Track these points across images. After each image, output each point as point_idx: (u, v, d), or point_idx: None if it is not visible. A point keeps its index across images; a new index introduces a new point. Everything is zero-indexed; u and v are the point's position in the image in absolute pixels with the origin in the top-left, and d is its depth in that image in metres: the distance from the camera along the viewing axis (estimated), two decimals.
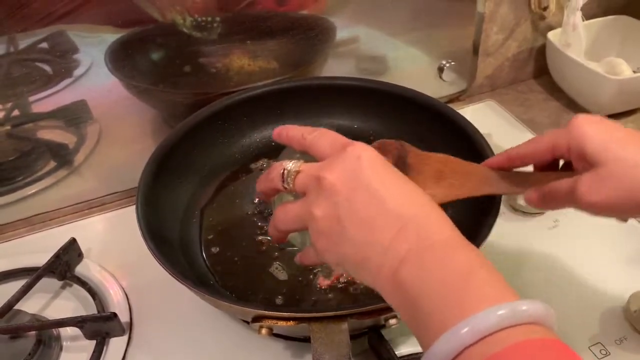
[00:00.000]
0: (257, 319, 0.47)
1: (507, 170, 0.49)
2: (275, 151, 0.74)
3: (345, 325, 0.46)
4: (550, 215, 0.69)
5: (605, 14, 0.91)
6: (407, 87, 0.72)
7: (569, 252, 0.64)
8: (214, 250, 0.63)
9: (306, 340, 0.56)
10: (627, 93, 0.81)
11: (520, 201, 0.68)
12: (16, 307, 0.58)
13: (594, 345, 0.55)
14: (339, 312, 0.46)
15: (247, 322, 0.56)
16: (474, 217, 0.57)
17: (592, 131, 0.41)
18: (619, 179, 0.39)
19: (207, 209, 0.68)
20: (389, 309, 0.47)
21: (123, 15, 0.68)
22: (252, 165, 0.73)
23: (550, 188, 0.44)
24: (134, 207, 0.57)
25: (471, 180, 0.49)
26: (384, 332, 0.53)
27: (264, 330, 0.47)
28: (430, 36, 0.85)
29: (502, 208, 0.55)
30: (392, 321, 0.47)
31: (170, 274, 0.50)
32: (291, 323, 0.47)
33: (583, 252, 0.64)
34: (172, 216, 0.64)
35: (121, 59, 0.70)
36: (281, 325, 0.47)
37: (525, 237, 0.67)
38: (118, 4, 0.67)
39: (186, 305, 0.60)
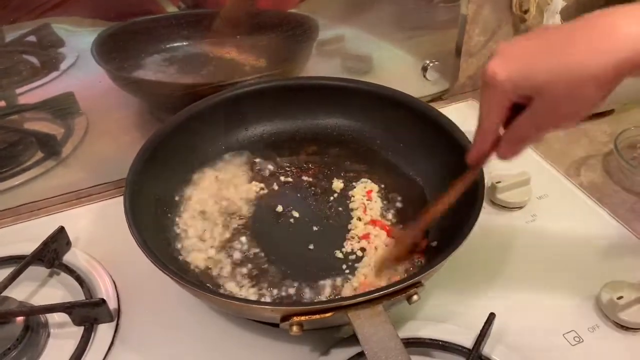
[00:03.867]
0: (286, 317, 0.47)
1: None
2: (268, 148, 0.75)
3: (381, 307, 0.47)
4: (528, 209, 0.71)
5: None
6: (387, 86, 0.74)
7: (546, 245, 0.67)
8: None
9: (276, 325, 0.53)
10: None
11: (500, 196, 0.70)
12: (3, 294, 0.59)
13: (568, 332, 0.57)
14: (373, 295, 0.48)
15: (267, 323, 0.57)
16: (457, 211, 0.59)
17: (511, 81, 0.43)
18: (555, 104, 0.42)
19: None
20: (414, 285, 0.49)
21: (112, 8, 0.69)
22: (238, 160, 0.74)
23: (516, 131, 0.46)
24: (121, 198, 0.58)
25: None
26: None
27: (295, 328, 0.47)
28: (414, 36, 0.87)
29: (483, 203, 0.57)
30: (415, 297, 0.49)
31: (161, 270, 0.51)
32: (329, 315, 0.47)
33: (559, 245, 0.67)
34: (160, 209, 0.65)
35: (109, 51, 0.71)
36: (315, 319, 0.47)
37: (504, 230, 0.69)
38: None
39: (173, 294, 0.61)
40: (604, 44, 0.40)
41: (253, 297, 0.57)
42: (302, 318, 0.47)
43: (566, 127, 0.45)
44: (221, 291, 0.58)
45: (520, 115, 0.45)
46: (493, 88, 0.44)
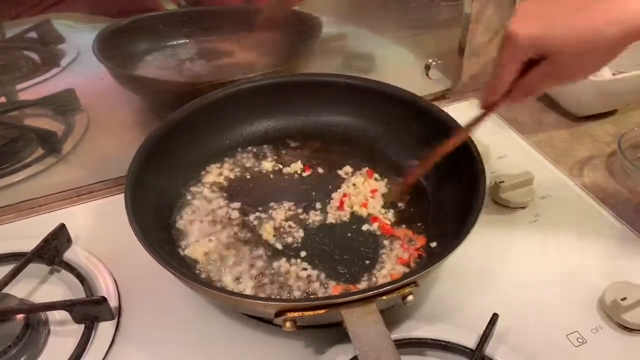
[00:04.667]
0: (280, 313, 0.47)
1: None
2: (265, 142, 0.75)
3: (374, 306, 0.47)
4: (531, 210, 0.71)
5: None
6: (392, 85, 0.74)
7: (549, 246, 0.66)
8: None
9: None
10: (605, 94, 0.84)
11: (503, 195, 0.70)
12: (4, 291, 0.58)
13: (571, 333, 0.57)
14: (367, 294, 0.47)
15: (258, 318, 0.57)
16: (458, 214, 0.59)
17: (530, 39, 0.48)
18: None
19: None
20: (409, 285, 0.49)
21: (113, 5, 0.69)
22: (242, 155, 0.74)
23: (527, 83, 0.52)
24: (123, 195, 0.58)
25: None
26: None
27: (288, 324, 0.47)
28: (417, 35, 0.87)
29: (486, 201, 0.57)
30: (410, 297, 0.49)
31: (165, 267, 0.51)
32: (321, 312, 0.47)
33: (562, 245, 0.66)
34: (162, 205, 0.65)
35: (110, 48, 0.70)
36: (308, 316, 0.47)
37: (507, 230, 0.69)
38: None
39: (174, 292, 0.60)
40: (618, 15, 0.45)
41: (251, 293, 0.57)
42: (295, 314, 0.47)
43: (571, 83, 0.52)
44: (219, 286, 0.58)
45: (532, 70, 0.50)
46: (514, 45, 0.49)
